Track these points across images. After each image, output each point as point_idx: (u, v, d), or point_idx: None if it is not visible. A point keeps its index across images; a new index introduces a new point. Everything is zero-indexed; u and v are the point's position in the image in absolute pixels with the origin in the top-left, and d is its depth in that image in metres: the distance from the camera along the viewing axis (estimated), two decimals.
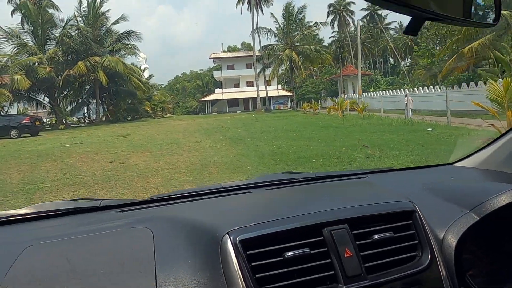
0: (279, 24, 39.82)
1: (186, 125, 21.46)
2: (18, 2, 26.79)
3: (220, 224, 0.97)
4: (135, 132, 18.33)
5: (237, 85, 53.66)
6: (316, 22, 42.26)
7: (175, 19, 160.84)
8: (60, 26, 28.09)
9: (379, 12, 55.02)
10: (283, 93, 49.81)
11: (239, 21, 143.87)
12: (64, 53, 28.77)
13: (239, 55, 54.63)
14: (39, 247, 0.95)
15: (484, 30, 17.68)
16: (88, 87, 33.14)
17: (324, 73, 52.91)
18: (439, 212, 1.14)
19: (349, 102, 21.99)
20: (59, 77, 26.81)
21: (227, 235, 0.90)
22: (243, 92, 50.73)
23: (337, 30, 58.08)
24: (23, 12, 26.59)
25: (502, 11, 1.08)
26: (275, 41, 40.86)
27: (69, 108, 35.99)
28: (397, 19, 62.68)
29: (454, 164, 1.72)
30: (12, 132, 20.01)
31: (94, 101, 33.85)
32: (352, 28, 55.78)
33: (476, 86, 18.25)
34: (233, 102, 51.23)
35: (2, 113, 21.84)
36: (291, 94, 48.82)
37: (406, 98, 19.15)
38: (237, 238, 0.88)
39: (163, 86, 65.07)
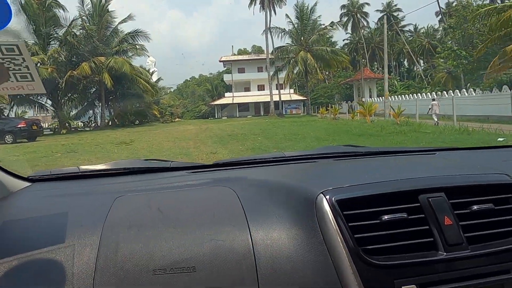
0: (293, 25, 37.56)
1: (197, 131, 19.26)
2: (23, 2, 24.95)
3: (311, 185, 0.97)
4: (140, 138, 16.18)
5: (247, 89, 51.52)
6: (332, 22, 39.91)
7: (185, 24, 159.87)
8: (65, 26, 26.21)
9: (395, 14, 52.64)
10: (295, 97, 47.49)
11: (250, 25, 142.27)
12: (68, 53, 26.88)
13: (250, 57, 52.53)
14: (129, 197, 1.02)
15: None
16: (94, 89, 31.21)
17: (338, 76, 50.48)
18: None
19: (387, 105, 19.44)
20: (62, 78, 24.88)
21: (322, 195, 0.89)
22: (254, 96, 48.53)
23: (350, 33, 55.89)
24: (26, 11, 24.76)
25: None
26: (287, 43, 38.68)
27: (74, 112, 34.20)
28: (413, 21, 60.21)
29: None
30: (7, 137, 17.99)
31: (100, 104, 31.92)
32: (366, 31, 53.51)
33: None
34: (243, 106, 49.05)
35: (2, 117, 19.95)
36: (305, 98, 46.49)
37: (434, 102, 17.40)
38: (333, 198, 0.88)
39: (172, 90, 63.22)
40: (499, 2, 27.67)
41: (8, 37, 1.00)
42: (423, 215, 0.88)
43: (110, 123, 33.92)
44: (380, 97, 33.61)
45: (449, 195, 0.91)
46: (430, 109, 17.08)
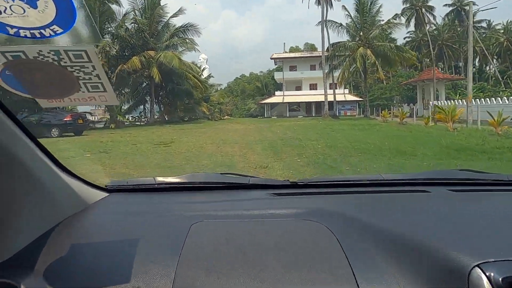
0: (351, 18, 34.17)
1: (245, 132, 17.20)
2: None
3: (453, 246, 0.70)
4: (182, 138, 14.46)
5: (298, 88, 48.82)
6: (396, 14, 35.78)
7: (237, 22, 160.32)
8: (118, 20, 25.56)
9: (467, 8, 46.66)
10: (350, 97, 43.90)
11: (302, 23, 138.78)
12: (120, 47, 26.24)
13: (302, 55, 49.73)
14: (206, 226, 0.92)
15: None
16: (144, 84, 30.55)
17: (398, 76, 45.87)
18: None
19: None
20: (113, 72, 24.20)
21: (478, 270, 0.62)
22: (306, 95, 45.71)
23: (414, 29, 50.69)
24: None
25: None
26: (347, 40, 35.37)
27: (126, 106, 33.99)
28: (488, 17, 53.48)
29: None
30: (53, 130, 17.31)
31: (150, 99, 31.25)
32: (431, 27, 48.08)
33: None
34: (294, 106, 46.46)
35: (50, 110, 19.45)
36: (360, 99, 42.81)
37: None
38: (500, 279, 0.60)
39: (222, 88, 62.28)
40: None
41: (73, 40, 0.82)
42: None
43: (159, 119, 33.28)
44: (449, 101, 29.33)
45: None
46: None
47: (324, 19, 32.67)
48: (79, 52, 0.80)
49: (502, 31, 45.06)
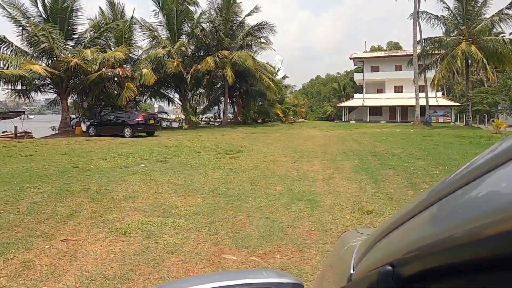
0: (449, 10, 28.96)
1: (324, 141, 14.62)
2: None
3: None
4: (253, 145, 12.51)
5: (380, 90, 44.08)
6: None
7: (313, 23, 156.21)
8: (194, 20, 24.87)
9: None
10: (443, 102, 37.99)
11: (382, 21, 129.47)
12: (196, 47, 25.56)
13: (386, 54, 44.77)
14: None
15: None
16: (219, 85, 29.65)
17: (506, 78, 38.39)
18: None
19: None
20: (188, 73, 23.53)
21: None
22: (390, 99, 40.89)
23: None
24: (160, 4, 24.21)
25: None
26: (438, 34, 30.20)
27: (202, 106, 33.67)
28: None
29: None
30: (126, 130, 16.83)
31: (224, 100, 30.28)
32: None
33: None
34: (375, 110, 41.93)
35: (125, 110, 19.32)
36: (457, 104, 36.85)
37: None
38: None
39: (297, 90, 59.82)
40: None
41: None
42: None
43: (233, 120, 32.25)
44: None
45: None
46: None
47: (417, 9, 28.18)
48: None
49: None
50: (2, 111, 33.36)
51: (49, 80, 18.66)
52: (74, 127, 19.52)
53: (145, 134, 17.80)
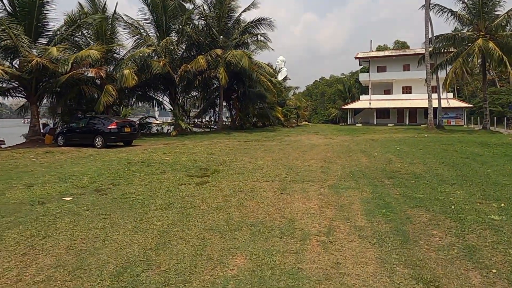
0: (464, 3, 26.27)
1: (327, 152, 12.13)
2: None
3: None
4: (238, 160, 10.09)
5: (387, 92, 41.45)
6: None
7: (318, 24, 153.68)
8: (184, 16, 22.52)
9: None
10: (455, 103, 35.24)
11: (388, 23, 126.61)
12: (187, 46, 23.23)
13: (394, 53, 42.11)
14: None
15: None
16: (213, 87, 27.29)
17: None
18: None
19: None
20: (176, 73, 21.20)
21: None
22: (397, 100, 38.23)
23: None
24: (148, 2, 21.91)
25: None
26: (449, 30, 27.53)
27: (196, 110, 31.37)
28: None
29: None
30: (97, 140, 14.46)
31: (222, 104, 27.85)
32: None
33: None
34: (382, 112, 39.30)
35: (92, 115, 17.00)
36: (470, 105, 34.13)
37: None
38: None
39: (300, 91, 57.17)
40: None
41: None
42: None
43: (229, 125, 29.88)
44: None
45: None
46: None
47: (429, 1, 25.62)
48: None
49: None
50: None
51: (17, 82, 16.44)
52: (46, 134, 17.25)
53: (122, 143, 15.49)
